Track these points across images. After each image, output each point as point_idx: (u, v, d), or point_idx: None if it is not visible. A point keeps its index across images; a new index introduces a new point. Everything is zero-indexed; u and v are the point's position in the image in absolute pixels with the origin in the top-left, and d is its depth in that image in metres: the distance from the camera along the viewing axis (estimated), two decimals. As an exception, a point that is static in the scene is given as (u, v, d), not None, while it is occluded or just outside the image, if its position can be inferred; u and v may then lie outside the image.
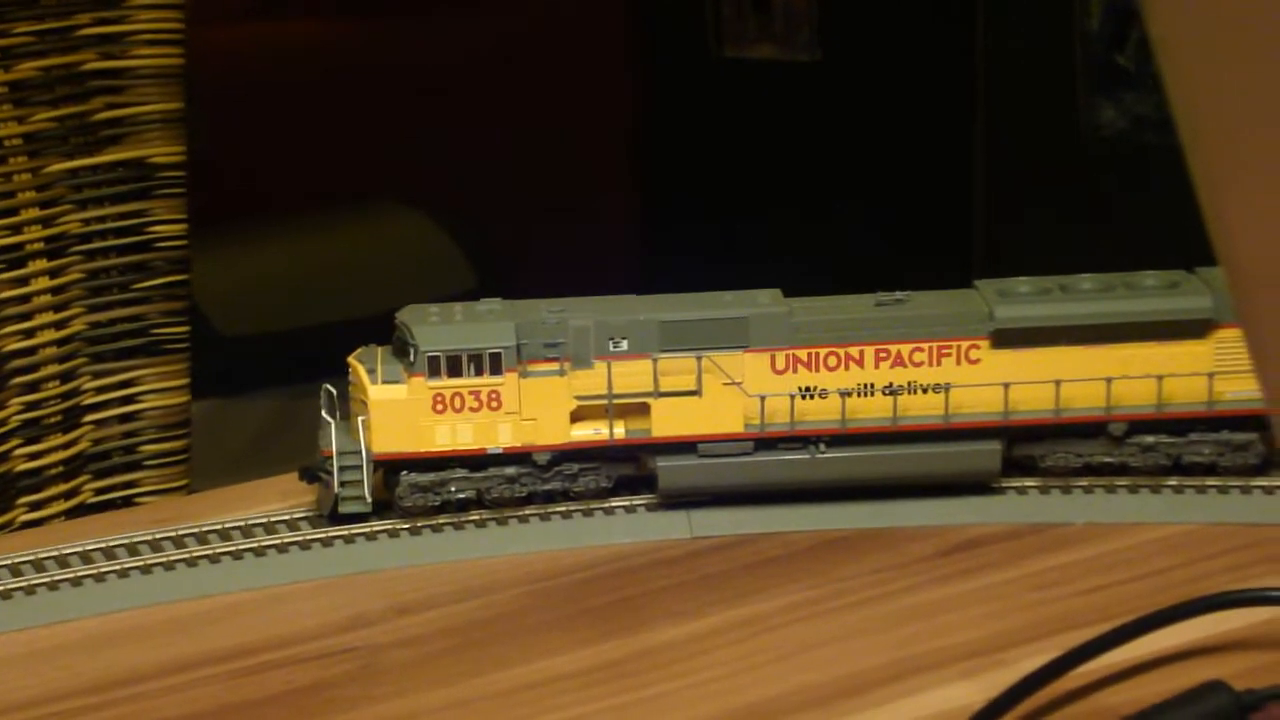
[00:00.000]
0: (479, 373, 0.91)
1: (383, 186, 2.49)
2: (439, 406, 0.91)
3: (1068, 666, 0.74)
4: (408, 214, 2.50)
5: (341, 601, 0.87)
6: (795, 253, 2.29)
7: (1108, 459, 0.93)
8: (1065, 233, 2.12)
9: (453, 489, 0.92)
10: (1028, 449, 0.94)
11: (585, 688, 0.79)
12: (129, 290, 1.17)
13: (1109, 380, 0.92)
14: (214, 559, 0.90)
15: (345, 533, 0.91)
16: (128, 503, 1.20)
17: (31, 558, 0.89)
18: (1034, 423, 0.93)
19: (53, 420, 1.15)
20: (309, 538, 0.91)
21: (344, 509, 0.91)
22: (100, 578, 0.88)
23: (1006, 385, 0.92)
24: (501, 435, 0.92)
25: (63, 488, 1.16)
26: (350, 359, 0.93)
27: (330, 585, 0.89)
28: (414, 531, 0.92)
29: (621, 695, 0.79)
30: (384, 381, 0.91)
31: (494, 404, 0.91)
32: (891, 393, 0.92)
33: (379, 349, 0.93)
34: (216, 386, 1.91)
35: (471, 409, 0.91)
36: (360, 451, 0.91)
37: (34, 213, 1.13)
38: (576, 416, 0.92)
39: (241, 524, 0.92)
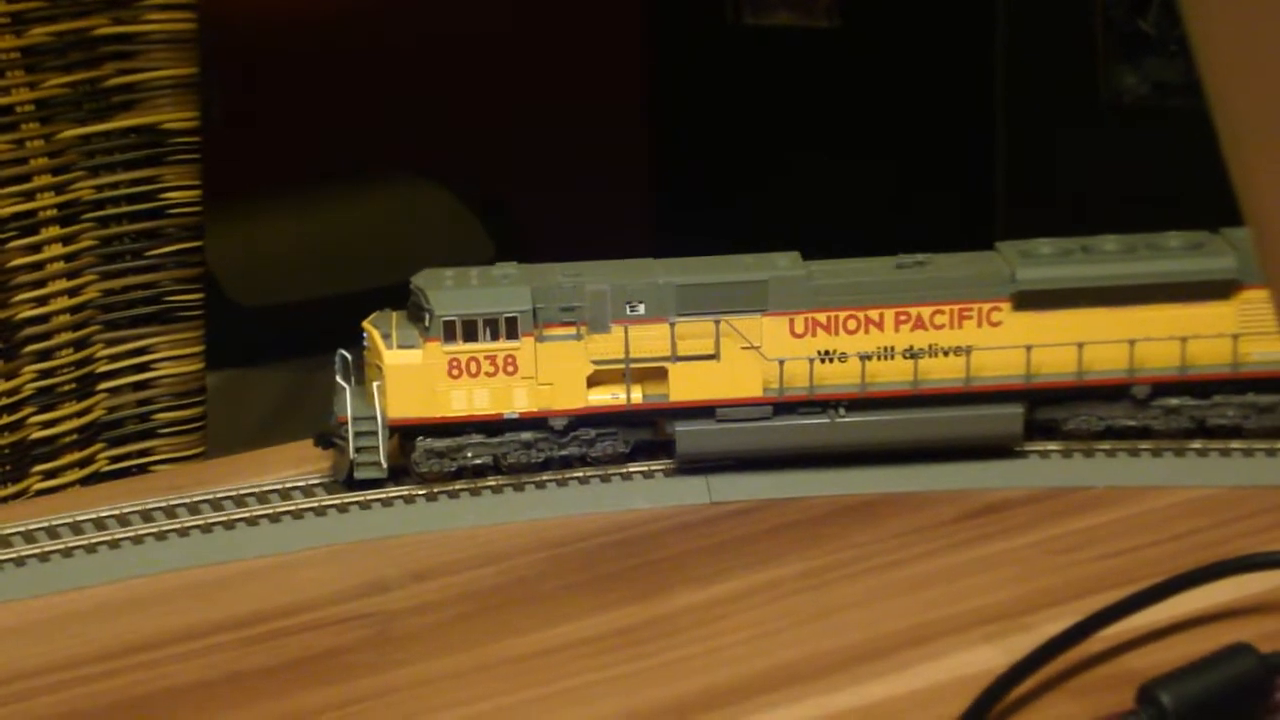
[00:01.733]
0: (495, 337, 0.90)
1: (399, 156, 2.48)
2: (455, 371, 0.90)
3: (1091, 630, 0.73)
4: (424, 184, 2.49)
5: (357, 568, 0.87)
6: (812, 221, 2.28)
7: (1130, 422, 0.92)
8: (1086, 197, 2.11)
9: (469, 455, 0.91)
10: (1050, 412, 0.93)
11: (603, 653, 0.79)
12: (142, 257, 1.16)
13: (1132, 342, 0.91)
14: (229, 525, 0.89)
15: (361, 499, 0.91)
16: (142, 471, 1.19)
17: (46, 524, 0.89)
18: (1056, 385, 0.92)
19: (67, 388, 1.14)
20: (324, 504, 0.90)
21: (359, 475, 0.91)
22: (115, 544, 0.88)
23: (1028, 348, 0.91)
24: (518, 400, 0.91)
25: (77, 455, 1.15)
26: (365, 324, 0.92)
27: (346, 551, 0.88)
28: (430, 498, 0.91)
29: (639, 661, 0.78)
30: (399, 346, 0.90)
31: (510, 369, 0.90)
32: (912, 356, 0.91)
33: (394, 314, 0.92)
34: (233, 356, 1.91)
35: (487, 374, 0.90)
36: (375, 417, 0.90)
37: (46, 179, 1.12)
38: (593, 381, 0.92)
39: (257, 490, 0.92)
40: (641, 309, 0.91)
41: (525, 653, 0.79)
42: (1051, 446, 0.93)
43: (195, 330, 1.18)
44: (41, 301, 1.13)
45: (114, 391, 1.17)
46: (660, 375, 0.92)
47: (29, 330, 1.13)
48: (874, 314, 0.92)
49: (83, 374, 1.15)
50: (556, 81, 2.60)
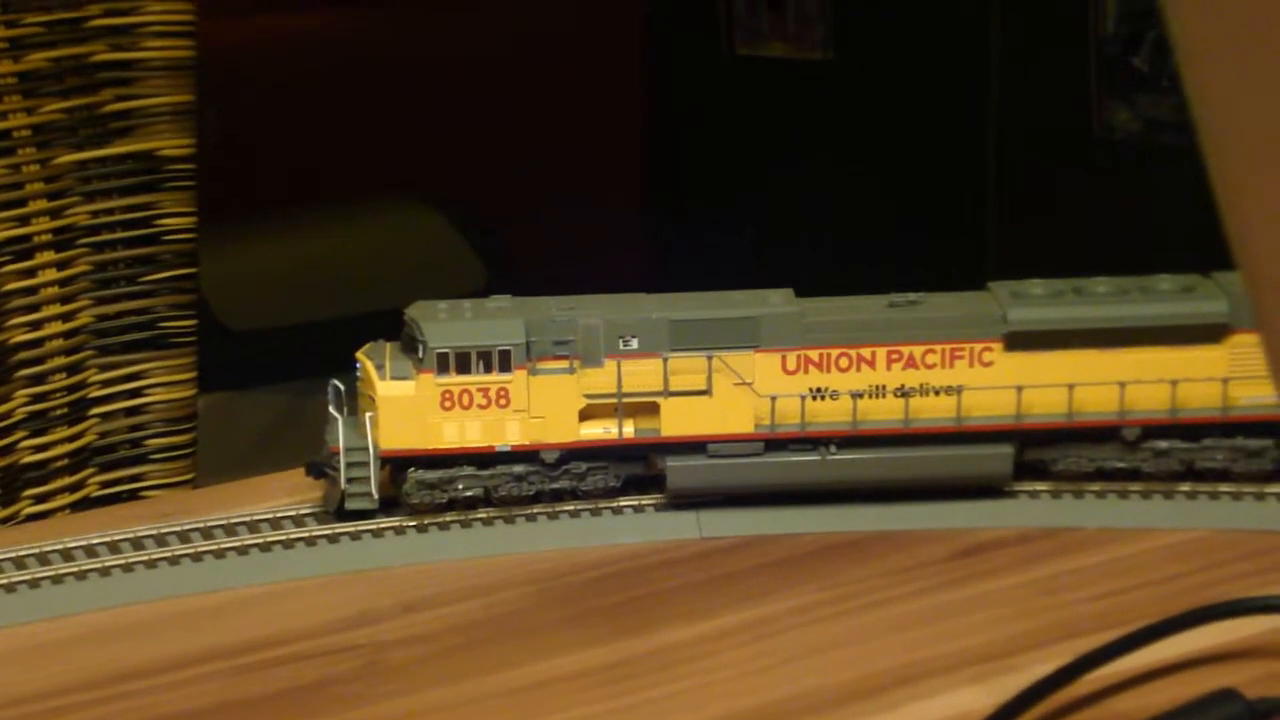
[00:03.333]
0: (488, 370, 0.90)
1: (393, 182, 2.48)
2: (447, 403, 0.90)
3: (1078, 672, 0.73)
4: (418, 210, 2.50)
5: (348, 598, 0.87)
6: (805, 252, 2.28)
7: (1120, 464, 0.93)
8: (1078, 235, 2.12)
9: (460, 487, 0.91)
10: (1039, 453, 0.93)
11: (592, 687, 0.79)
12: (136, 283, 1.16)
13: (1122, 384, 0.92)
14: (219, 554, 0.89)
15: (352, 529, 0.91)
16: (133, 496, 1.19)
17: (36, 551, 0.89)
18: (1046, 426, 0.92)
19: (59, 413, 1.14)
20: (315, 534, 0.90)
21: (351, 505, 0.91)
22: (105, 572, 0.88)
23: (1019, 388, 0.91)
24: (510, 433, 0.91)
25: (68, 480, 1.15)
26: (359, 354, 0.92)
27: (336, 582, 0.88)
28: (421, 529, 0.91)
29: (628, 696, 0.78)
30: (392, 378, 0.90)
31: (502, 401, 0.91)
32: (903, 394, 0.92)
33: (387, 345, 0.92)
34: (224, 381, 1.91)
35: (480, 406, 0.91)
36: (368, 448, 0.90)
37: (42, 204, 1.12)
38: (585, 415, 0.92)
39: (248, 519, 0.91)
40: (635, 344, 0.91)
41: (515, 686, 0.79)
42: (1041, 487, 0.93)
43: (188, 356, 1.19)
44: (35, 326, 1.13)
45: (106, 417, 1.17)
46: (652, 410, 0.92)
47: (22, 354, 1.13)
48: (866, 352, 0.92)
49: (75, 399, 1.15)
50: (552, 107, 2.60)
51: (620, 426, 0.92)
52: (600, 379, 0.91)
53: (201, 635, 0.84)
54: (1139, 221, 2.09)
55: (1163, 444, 0.92)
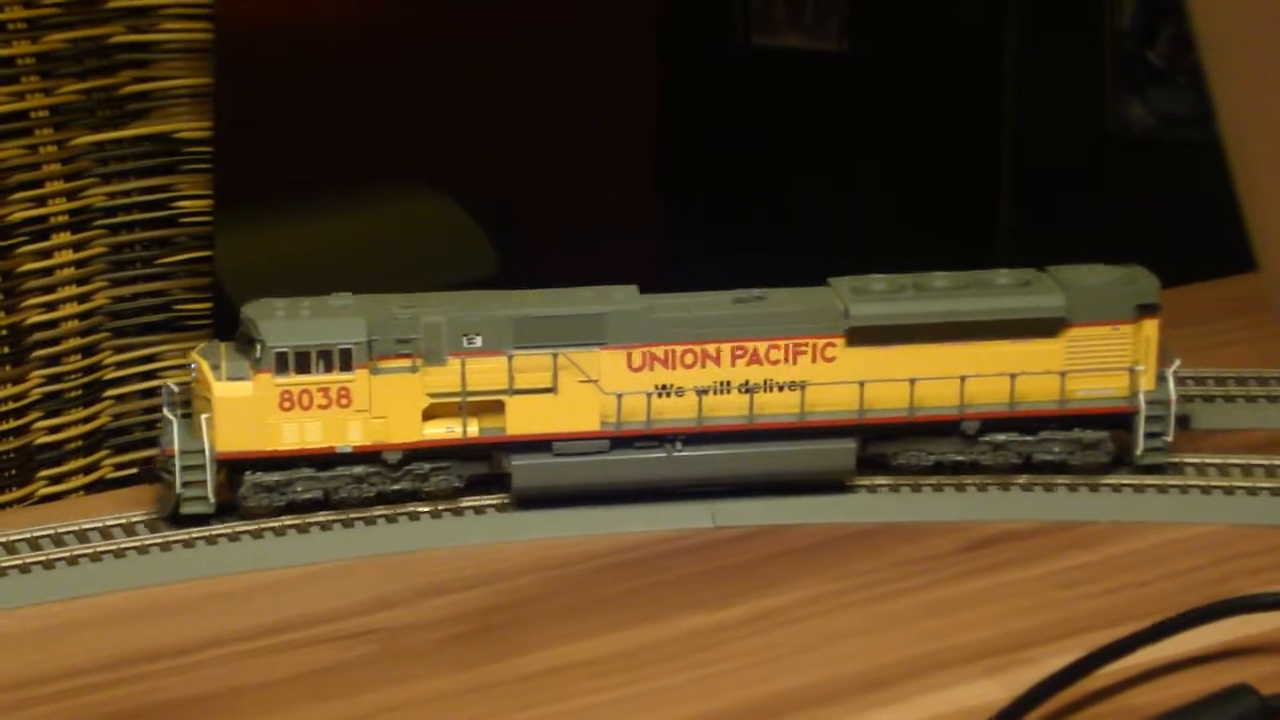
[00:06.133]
0: (328, 369, 0.89)
1: (406, 166, 2.48)
2: (286, 404, 0.89)
3: (1092, 666, 0.73)
4: (430, 194, 2.49)
5: (363, 583, 0.87)
6: (817, 242, 2.28)
7: (959, 457, 0.93)
8: (1091, 230, 2.11)
9: (298, 489, 0.90)
10: (881, 447, 0.93)
11: (603, 675, 0.79)
12: (152, 265, 1.16)
13: (963, 378, 0.92)
14: (233, 537, 0.89)
15: (366, 515, 0.91)
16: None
17: (50, 532, 0.89)
18: (888, 421, 0.92)
19: (73, 394, 1.14)
20: (332, 519, 0.90)
21: (186, 510, 0.89)
22: (119, 553, 0.88)
23: (862, 383, 0.92)
24: (351, 434, 0.89)
25: (82, 462, 1.15)
26: (193, 354, 0.90)
27: (350, 567, 0.88)
28: (434, 515, 0.91)
29: (639, 684, 0.78)
30: (229, 378, 0.88)
31: (344, 401, 0.89)
32: (748, 390, 0.92)
33: (222, 345, 0.91)
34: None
35: (320, 406, 0.89)
36: (204, 450, 0.88)
37: (59, 185, 1.12)
38: (429, 414, 0.90)
39: (261, 503, 0.91)
40: (479, 341, 0.90)
41: (526, 673, 0.79)
42: (1059, 480, 0.93)
43: (203, 339, 1.18)
44: (51, 307, 1.13)
45: (121, 399, 1.17)
46: (497, 409, 0.91)
47: (37, 335, 1.13)
48: (711, 348, 0.91)
49: (90, 380, 1.15)
50: (565, 93, 2.60)
51: (465, 426, 0.90)
52: (444, 377, 0.90)
53: (213, 619, 0.84)
54: (1153, 217, 2.09)
55: (1001, 437, 0.93)
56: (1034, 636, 0.80)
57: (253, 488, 0.89)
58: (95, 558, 0.87)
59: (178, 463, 0.88)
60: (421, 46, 2.52)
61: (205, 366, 0.89)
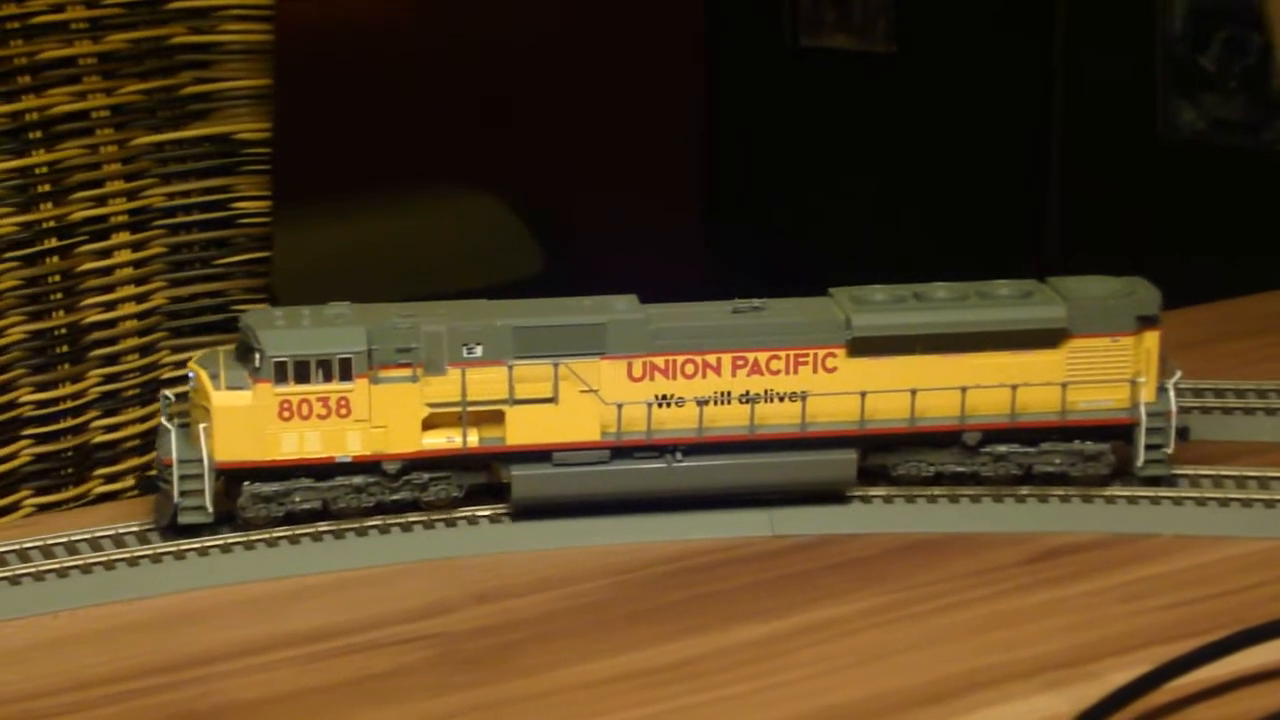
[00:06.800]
0: (328, 378, 0.88)
1: (453, 167, 2.49)
2: (285, 413, 0.88)
3: (1159, 681, 0.73)
4: (476, 195, 2.50)
5: (421, 588, 0.87)
6: (864, 245, 2.27)
7: (959, 468, 0.93)
8: (1140, 234, 2.10)
9: (297, 499, 0.89)
10: (881, 458, 0.93)
11: (662, 685, 0.79)
12: (210, 266, 1.17)
13: (963, 389, 0.91)
14: (293, 540, 0.89)
15: (425, 518, 0.91)
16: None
17: (111, 533, 0.89)
18: (889, 431, 0.92)
19: (131, 394, 1.15)
20: (389, 522, 0.90)
21: (184, 520, 0.88)
22: (180, 555, 0.88)
23: (863, 394, 0.91)
24: (350, 443, 0.89)
25: (138, 461, 1.16)
26: (192, 363, 0.90)
27: (409, 571, 0.88)
28: (494, 519, 0.91)
29: (697, 694, 0.78)
30: (228, 387, 0.88)
31: (343, 411, 0.88)
32: (748, 401, 0.91)
33: (221, 353, 0.90)
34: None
35: (320, 416, 0.88)
36: (202, 460, 0.88)
37: (119, 185, 1.13)
38: (429, 424, 0.90)
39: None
40: (479, 351, 0.89)
41: (584, 681, 0.79)
42: (1120, 492, 0.92)
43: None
44: (109, 307, 1.13)
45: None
46: (497, 418, 0.90)
47: (96, 335, 1.13)
48: (711, 358, 0.91)
49: (147, 379, 1.16)
50: (612, 95, 2.60)
51: (465, 435, 0.90)
52: (444, 387, 0.89)
53: (275, 621, 0.84)
54: (1202, 221, 2.08)
55: (1001, 448, 0.93)
56: (1096, 651, 0.80)
57: (251, 498, 0.89)
58: (156, 559, 0.87)
59: (175, 472, 0.88)
60: (469, 49, 2.52)
61: (204, 376, 0.88)
